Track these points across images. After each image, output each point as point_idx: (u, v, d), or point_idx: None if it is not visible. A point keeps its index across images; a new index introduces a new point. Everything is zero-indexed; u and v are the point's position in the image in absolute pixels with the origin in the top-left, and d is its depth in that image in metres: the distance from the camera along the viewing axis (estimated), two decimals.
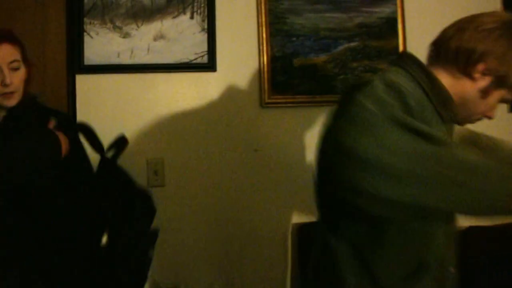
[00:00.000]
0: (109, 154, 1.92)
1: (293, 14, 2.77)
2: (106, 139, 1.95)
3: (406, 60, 1.45)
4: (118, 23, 2.59)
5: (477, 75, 1.36)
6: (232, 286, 2.67)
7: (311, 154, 2.62)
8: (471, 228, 2.61)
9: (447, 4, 3.03)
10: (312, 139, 2.72)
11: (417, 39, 2.88)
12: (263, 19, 2.74)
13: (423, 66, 1.42)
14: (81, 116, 2.51)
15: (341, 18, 2.83)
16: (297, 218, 2.74)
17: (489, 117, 1.47)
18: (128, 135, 2.05)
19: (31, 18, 2.57)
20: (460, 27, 1.39)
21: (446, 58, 1.39)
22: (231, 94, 2.70)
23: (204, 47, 2.65)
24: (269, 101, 2.73)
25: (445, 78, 1.40)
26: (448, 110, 1.40)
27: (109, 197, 1.89)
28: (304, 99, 2.78)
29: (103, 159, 1.91)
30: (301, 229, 2.71)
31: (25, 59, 1.80)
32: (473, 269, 2.62)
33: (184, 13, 2.65)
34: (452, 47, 1.38)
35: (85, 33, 2.54)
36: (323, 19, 2.81)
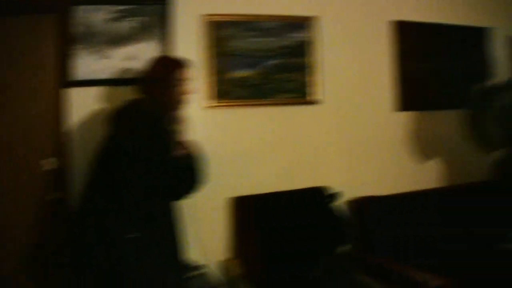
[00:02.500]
0: None
1: (232, 39, 3.74)
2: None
3: None
4: (100, 47, 3.46)
5: None
6: None
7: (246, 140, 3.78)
8: None
9: (348, 30, 4.11)
10: (244, 131, 3.84)
11: (326, 57, 4.03)
12: (208, 43, 3.70)
13: None
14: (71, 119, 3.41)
15: (268, 41, 3.84)
16: None
17: None
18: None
19: (28, 44, 3.41)
20: None
21: None
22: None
23: None
24: (213, 105, 3.71)
25: None
26: None
27: None
28: (240, 103, 3.79)
29: None
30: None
31: None
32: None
33: (150, 39, 3.55)
34: None
35: (74, 55, 3.41)
36: (254, 43, 3.80)
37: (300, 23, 3.94)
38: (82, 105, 3.44)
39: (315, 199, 3.89)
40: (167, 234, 2.90)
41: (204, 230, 3.65)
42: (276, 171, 3.92)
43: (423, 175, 4.49)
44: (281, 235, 3.63)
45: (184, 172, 2.90)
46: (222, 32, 3.73)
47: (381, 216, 3.92)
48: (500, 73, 4.91)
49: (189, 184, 2.94)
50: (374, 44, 4.29)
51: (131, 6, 3.50)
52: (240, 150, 3.83)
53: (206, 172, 3.02)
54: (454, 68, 4.67)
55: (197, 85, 3.08)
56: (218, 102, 3.74)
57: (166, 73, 2.93)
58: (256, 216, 3.66)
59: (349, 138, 4.18)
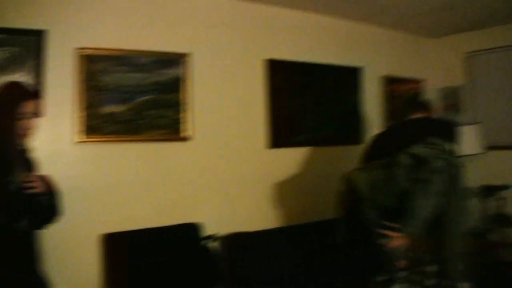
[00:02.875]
0: None
1: (105, 73, 3.69)
2: None
3: None
4: None
5: None
6: None
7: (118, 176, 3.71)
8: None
9: (221, 67, 4.23)
10: (116, 167, 3.77)
11: (199, 93, 4.11)
12: (80, 77, 3.62)
13: None
14: None
15: (141, 77, 3.84)
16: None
17: None
18: None
19: None
20: None
21: None
22: (52, 134, 3.49)
23: None
24: (83, 140, 3.62)
25: None
26: None
27: None
28: (111, 139, 3.73)
29: None
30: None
31: None
32: None
33: (21, 71, 3.38)
34: None
35: None
36: (126, 78, 3.78)
37: (173, 59, 3.98)
38: None
39: (188, 236, 3.90)
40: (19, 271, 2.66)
41: (72, 266, 3.54)
42: (149, 207, 3.89)
43: (295, 211, 4.66)
44: (151, 273, 3.58)
45: (28, 206, 2.68)
46: (95, 66, 3.67)
47: (251, 251, 4.01)
48: (372, 110, 5.28)
49: (35, 218, 2.67)
50: (249, 81, 4.46)
51: (2, 36, 3.34)
52: (112, 186, 3.75)
53: (59, 207, 2.77)
54: (326, 106, 4.96)
55: (40, 121, 2.80)
56: (88, 137, 3.65)
57: (10, 101, 2.61)
58: (126, 252, 3.60)
59: (222, 174, 4.26)
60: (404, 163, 3.18)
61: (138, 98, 3.84)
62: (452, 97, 6.05)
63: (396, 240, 3.16)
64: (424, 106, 3.75)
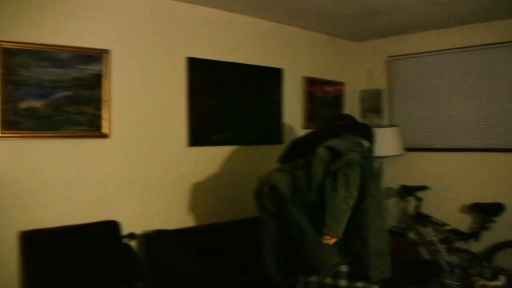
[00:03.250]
0: None
1: (21, 68, 3.63)
2: None
3: None
4: None
5: None
6: None
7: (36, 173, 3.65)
8: None
9: (142, 65, 4.24)
10: (34, 164, 3.70)
11: (118, 91, 4.09)
12: None
13: None
14: None
15: (60, 72, 3.79)
16: None
17: None
18: None
19: None
20: None
21: None
22: None
23: None
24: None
25: None
26: None
27: None
28: (29, 134, 3.67)
29: None
30: None
31: None
32: None
33: None
34: None
35: None
36: (46, 73, 3.73)
37: (94, 56, 3.95)
38: None
39: (107, 233, 3.89)
40: None
41: None
42: (69, 205, 3.85)
43: (215, 209, 4.71)
44: (71, 271, 3.55)
45: None
46: (13, 60, 3.59)
47: (169, 249, 4.04)
48: (293, 111, 5.43)
49: None
50: (170, 79, 4.48)
51: None
52: (30, 182, 3.69)
53: None
54: (247, 105, 5.07)
55: None
56: (4, 133, 3.58)
57: None
58: (45, 250, 3.55)
59: (141, 172, 4.26)
60: (321, 155, 3.24)
61: (58, 94, 3.79)
62: (372, 100, 6.25)
63: (324, 239, 3.18)
64: (345, 117, 3.90)
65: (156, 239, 4.06)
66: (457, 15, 5.13)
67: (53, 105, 3.77)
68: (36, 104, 3.70)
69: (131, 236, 3.96)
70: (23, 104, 3.65)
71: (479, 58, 5.45)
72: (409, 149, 5.90)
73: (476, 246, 5.28)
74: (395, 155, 5.68)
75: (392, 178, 5.77)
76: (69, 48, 3.83)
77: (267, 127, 5.33)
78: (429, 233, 5.47)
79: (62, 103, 3.81)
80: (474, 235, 5.28)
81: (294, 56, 5.61)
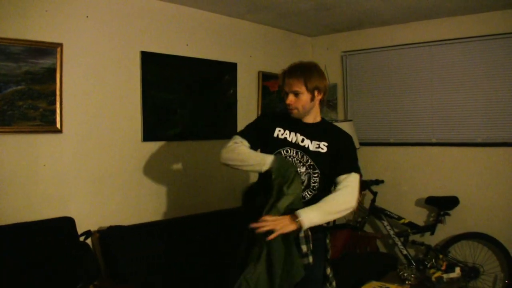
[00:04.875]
0: None
1: None
2: None
3: None
4: None
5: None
6: None
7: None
8: None
9: (95, 59, 4.23)
10: None
11: (72, 85, 4.08)
12: None
13: None
14: None
15: (11, 66, 3.76)
16: None
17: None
18: None
19: None
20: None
21: None
22: None
23: None
24: None
25: None
26: None
27: None
28: None
29: None
30: None
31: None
32: None
33: None
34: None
35: None
36: None
37: (46, 49, 3.91)
38: None
39: (62, 230, 3.86)
40: None
41: None
42: (18, 201, 3.81)
43: (170, 204, 4.74)
44: (24, 270, 3.51)
45: None
46: None
47: (125, 245, 4.06)
48: (247, 105, 5.54)
49: None
50: (124, 74, 4.47)
51: None
52: None
53: None
54: (201, 100, 5.13)
55: None
56: None
57: None
58: None
59: (95, 167, 4.25)
60: None
61: (9, 88, 3.75)
62: (328, 94, 6.35)
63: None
64: None
65: (112, 235, 4.05)
66: (411, 11, 5.29)
67: (5, 99, 3.73)
68: None
69: (88, 233, 3.95)
70: None
71: (434, 52, 5.63)
72: (364, 144, 6.04)
73: (432, 239, 5.46)
74: None
75: None
76: (21, 41, 3.78)
77: (222, 122, 5.38)
78: (385, 226, 5.62)
79: (14, 98, 3.77)
80: (429, 228, 5.45)
81: (249, 50, 5.68)
